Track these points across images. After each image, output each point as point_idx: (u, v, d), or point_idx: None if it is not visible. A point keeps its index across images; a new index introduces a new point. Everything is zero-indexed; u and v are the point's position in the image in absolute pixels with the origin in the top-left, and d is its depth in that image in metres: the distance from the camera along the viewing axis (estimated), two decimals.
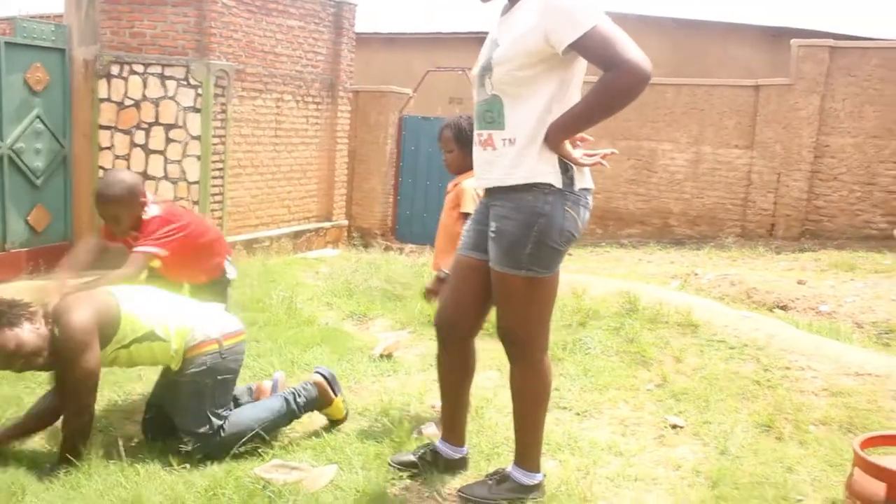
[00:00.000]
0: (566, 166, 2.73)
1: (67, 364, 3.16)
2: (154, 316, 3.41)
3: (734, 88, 11.10)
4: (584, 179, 2.80)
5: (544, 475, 3.08)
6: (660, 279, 7.83)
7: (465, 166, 3.80)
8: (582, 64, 2.78)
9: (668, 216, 11.42)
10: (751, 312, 5.81)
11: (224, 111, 9.91)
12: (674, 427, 3.88)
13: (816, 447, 3.64)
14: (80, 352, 3.15)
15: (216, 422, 3.44)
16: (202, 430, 3.41)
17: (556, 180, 2.71)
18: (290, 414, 3.68)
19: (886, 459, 2.67)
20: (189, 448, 3.36)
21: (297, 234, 11.58)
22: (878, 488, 2.51)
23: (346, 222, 12.75)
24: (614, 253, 10.10)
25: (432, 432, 3.61)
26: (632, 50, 2.57)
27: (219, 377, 3.48)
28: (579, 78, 2.79)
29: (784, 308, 6.87)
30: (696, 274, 7.98)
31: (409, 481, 3.13)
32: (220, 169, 9.87)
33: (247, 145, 10.59)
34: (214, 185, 9.78)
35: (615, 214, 11.68)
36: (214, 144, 9.75)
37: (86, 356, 3.16)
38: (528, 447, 3.01)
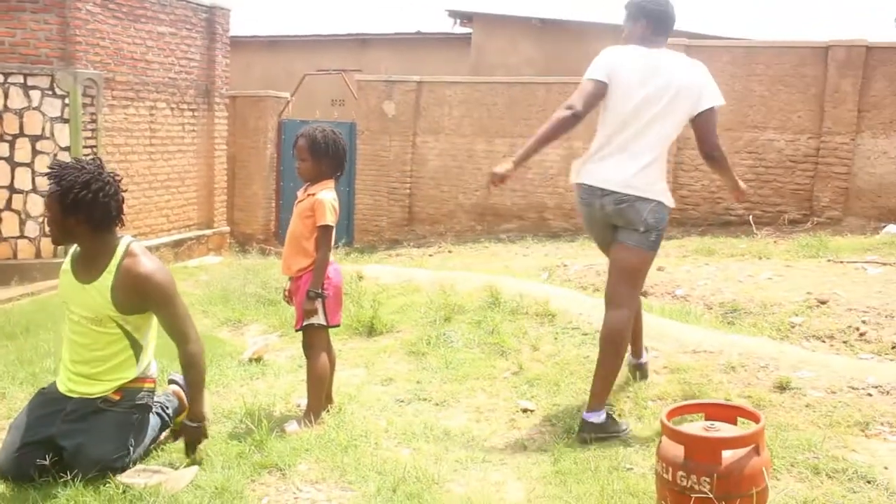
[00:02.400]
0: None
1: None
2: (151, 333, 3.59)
3: None
4: (580, 173, 3.90)
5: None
6: (531, 271, 8.18)
7: (317, 175, 3.96)
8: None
9: (543, 210, 11.85)
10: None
11: (94, 121, 9.74)
12: (525, 411, 4.15)
13: (651, 420, 3.97)
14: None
15: (131, 453, 3.42)
16: (119, 463, 3.34)
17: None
18: (164, 427, 3.77)
19: (686, 426, 2.99)
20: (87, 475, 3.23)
21: (177, 243, 11.46)
22: (679, 450, 2.82)
23: (227, 229, 12.68)
24: (492, 248, 10.44)
25: (294, 429, 3.76)
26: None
27: (146, 414, 3.56)
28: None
29: (644, 294, 7.27)
30: (564, 265, 8.37)
31: (268, 477, 3.28)
32: None
33: (120, 155, 10.42)
34: None
35: (493, 210, 12.04)
36: (85, 155, 9.56)
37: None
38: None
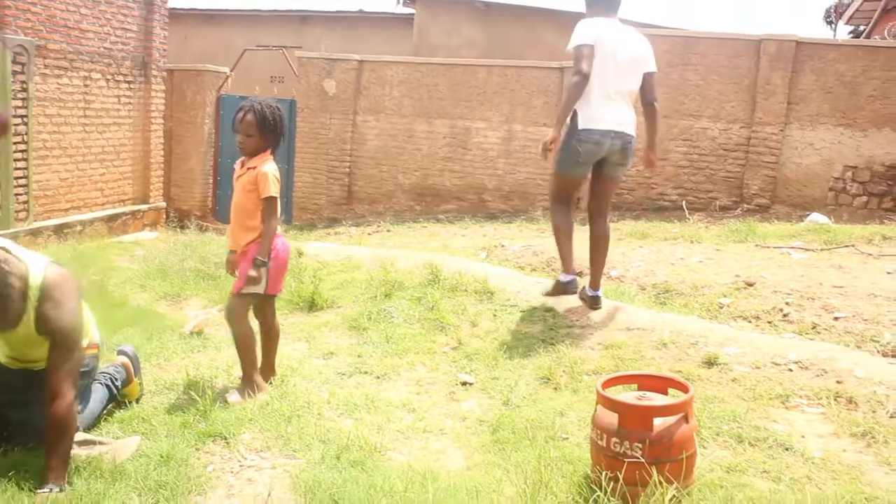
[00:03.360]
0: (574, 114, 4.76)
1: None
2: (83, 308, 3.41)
3: (541, 70, 11.74)
4: (588, 120, 4.73)
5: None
6: (470, 251, 8.28)
7: (259, 149, 4.00)
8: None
9: (482, 192, 11.96)
10: (545, 279, 6.32)
11: (25, 90, 9.46)
12: (464, 384, 4.27)
13: (586, 394, 4.11)
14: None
15: (79, 423, 3.38)
16: None
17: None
18: (112, 399, 3.76)
19: (620, 395, 3.14)
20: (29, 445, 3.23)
21: (111, 218, 11.24)
22: (613, 418, 2.95)
23: (164, 204, 12.48)
24: (431, 228, 10.51)
25: (236, 400, 3.79)
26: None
27: (90, 379, 3.54)
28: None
29: (579, 274, 7.44)
30: (502, 245, 8.49)
31: (212, 445, 3.31)
32: (23, 151, 9.43)
33: (53, 126, 10.15)
34: (18, 168, 9.34)
35: (432, 191, 12.10)
36: (15, 125, 9.31)
37: None
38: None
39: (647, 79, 4.95)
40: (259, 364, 4.12)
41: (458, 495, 2.89)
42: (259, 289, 3.93)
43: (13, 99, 9.26)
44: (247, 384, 3.94)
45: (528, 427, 3.71)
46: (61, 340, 3.09)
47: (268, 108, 4.00)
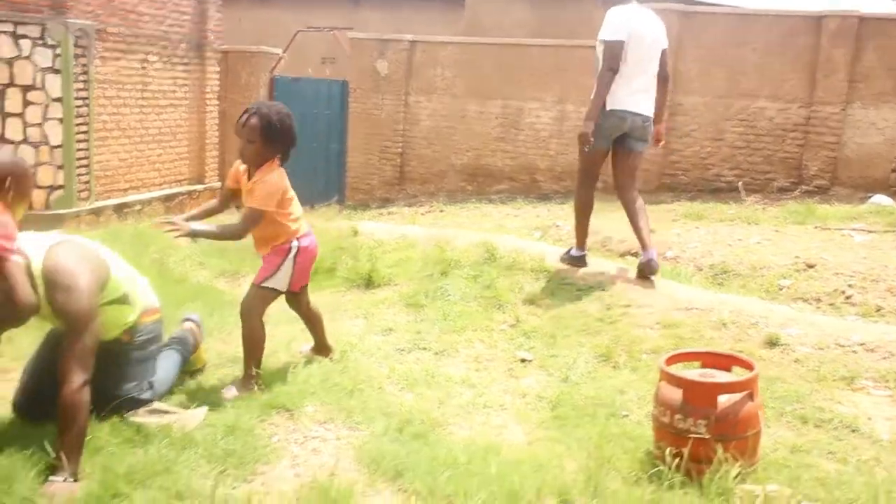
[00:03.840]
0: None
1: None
2: (125, 278, 3.36)
3: (594, 49, 11.61)
4: (614, 103, 5.19)
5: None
6: (524, 231, 8.27)
7: (262, 160, 3.68)
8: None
9: (535, 172, 11.91)
10: (600, 259, 6.29)
11: (86, 72, 9.67)
12: (523, 361, 4.28)
13: (646, 372, 4.10)
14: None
15: (155, 387, 3.49)
16: (145, 395, 3.42)
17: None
18: (184, 363, 3.85)
19: (684, 371, 3.11)
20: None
21: (168, 198, 11.45)
22: (677, 394, 2.93)
23: (219, 184, 12.66)
24: (483, 209, 10.50)
25: (232, 394, 3.63)
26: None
27: (158, 345, 3.59)
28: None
29: (635, 255, 7.39)
30: (557, 225, 8.47)
31: (277, 417, 3.37)
32: (84, 132, 9.66)
33: (112, 107, 10.37)
34: (80, 149, 9.57)
35: (484, 171, 12.08)
36: (77, 107, 9.53)
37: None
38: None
39: (662, 56, 5.38)
40: (313, 345, 4.14)
41: (520, 469, 2.91)
42: (281, 285, 3.77)
43: (75, 81, 9.47)
44: (246, 381, 3.70)
45: (588, 404, 3.71)
46: (69, 324, 3.00)
47: (276, 113, 3.68)
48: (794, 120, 10.70)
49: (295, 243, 3.78)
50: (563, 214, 9.88)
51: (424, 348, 4.42)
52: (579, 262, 5.56)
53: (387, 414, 3.43)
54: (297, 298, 4.03)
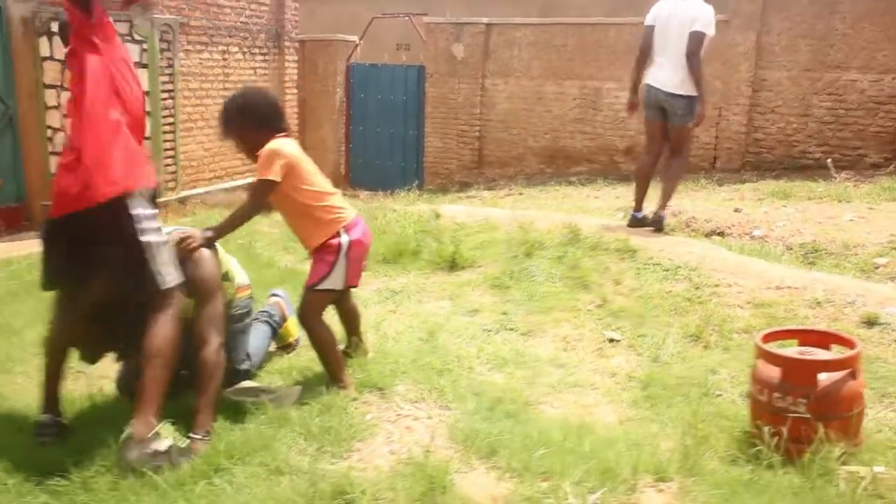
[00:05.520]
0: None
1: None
2: (225, 255, 3.60)
3: None
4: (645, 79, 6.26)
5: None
6: (605, 213, 8.17)
7: (255, 146, 3.43)
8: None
9: (614, 153, 11.74)
10: (686, 238, 6.18)
11: (171, 66, 9.93)
12: (611, 341, 4.24)
13: (738, 352, 4.02)
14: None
15: (251, 358, 3.68)
16: (243, 366, 3.61)
17: None
18: (274, 335, 4.02)
19: (782, 349, 3.04)
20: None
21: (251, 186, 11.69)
22: (775, 373, 2.87)
23: None
24: (563, 190, 10.41)
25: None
26: None
27: (249, 319, 3.76)
28: None
29: (721, 234, 7.24)
30: None
31: (369, 396, 3.43)
32: (171, 124, 9.93)
33: (196, 99, 10.62)
34: (167, 141, 9.84)
35: (563, 153, 11.97)
36: (164, 99, 9.79)
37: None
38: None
39: (689, 36, 5.93)
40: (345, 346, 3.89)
41: (614, 447, 2.89)
42: (338, 284, 3.51)
43: (160, 75, 9.73)
44: (335, 382, 3.52)
45: (680, 384, 3.67)
46: (200, 292, 3.25)
47: (230, 101, 3.51)
48: (887, 92, 10.26)
49: (345, 238, 3.47)
50: None
51: (511, 329, 4.42)
52: (640, 221, 6.26)
53: (477, 393, 3.45)
54: (343, 294, 3.73)
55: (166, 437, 2.93)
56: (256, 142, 3.41)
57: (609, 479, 2.66)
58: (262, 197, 3.42)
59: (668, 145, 6.33)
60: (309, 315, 3.51)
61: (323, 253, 3.47)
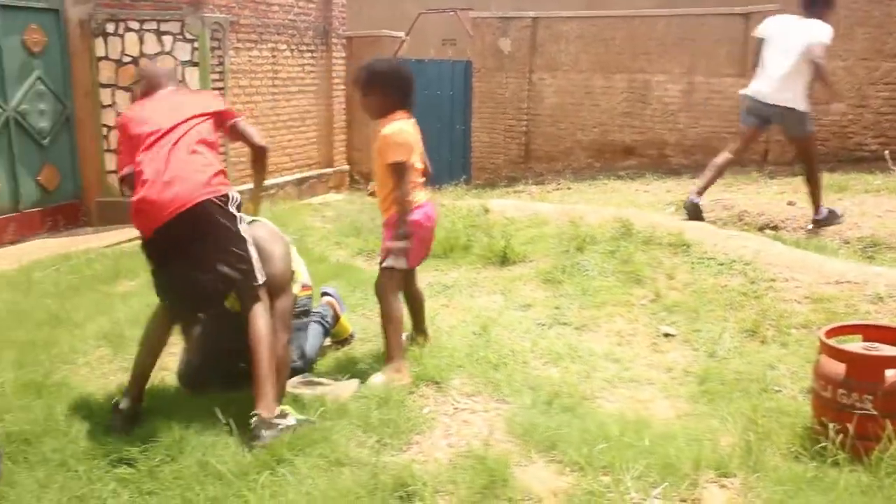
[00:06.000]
0: None
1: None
2: (296, 256, 3.76)
3: (724, 17, 11.20)
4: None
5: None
6: (655, 207, 8.10)
7: (383, 109, 3.66)
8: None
9: (663, 147, 11.61)
10: (740, 232, 6.09)
11: (221, 63, 10.05)
12: (666, 336, 4.21)
13: (797, 347, 3.96)
14: None
15: (305, 356, 3.77)
16: (297, 364, 3.69)
17: None
18: (326, 333, 4.08)
19: (846, 344, 2.98)
20: None
21: (300, 182, 11.81)
22: (839, 368, 2.82)
23: (347, 167, 12.97)
24: (612, 184, 10.33)
25: (380, 381, 3.53)
26: None
27: (308, 318, 3.87)
28: None
29: (775, 228, 7.13)
30: None
31: (425, 389, 3.45)
32: None
33: (245, 96, 10.75)
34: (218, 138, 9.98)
35: (611, 147, 11.87)
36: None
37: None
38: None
39: (807, 48, 6.18)
40: (410, 332, 3.99)
41: (674, 442, 2.87)
42: (402, 263, 3.64)
43: (211, 73, 9.87)
44: (392, 368, 3.57)
45: (738, 379, 3.63)
46: (272, 286, 3.38)
47: (383, 63, 3.77)
48: None
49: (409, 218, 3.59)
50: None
51: (565, 323, 4.41)
52: (693, 208, 6.70)
53: (533, 387, 3.45)
54: (409, 274, 3.85)
55: (290, 413, 3.13)
56: (384, 107, 3.66)
57: (670, 474, 2.65)
58: (404, 176, 3.57)
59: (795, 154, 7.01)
60: (381, 290, 3.68)
61: (387, 230, 3.69)
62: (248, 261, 3.30)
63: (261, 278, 3.32)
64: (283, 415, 3.11)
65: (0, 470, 2.92)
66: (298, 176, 11.82)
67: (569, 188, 10.35)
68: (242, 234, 3.32)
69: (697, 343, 4.10)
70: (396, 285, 3.70)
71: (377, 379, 3.53)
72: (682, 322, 4.36)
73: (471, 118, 12.74)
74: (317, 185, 12.14)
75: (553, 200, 8.62)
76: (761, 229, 7.07)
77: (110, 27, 9.50)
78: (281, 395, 3.28)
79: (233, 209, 3.33)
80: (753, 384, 3.54)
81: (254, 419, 3.06)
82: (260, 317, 3.26)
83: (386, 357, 3.66)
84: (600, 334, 4.28)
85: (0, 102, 8.27)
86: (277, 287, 3.40)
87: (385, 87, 3.65)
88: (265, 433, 3.01)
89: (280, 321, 3.36)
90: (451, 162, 12.76)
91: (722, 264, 5.07)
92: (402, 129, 3.62)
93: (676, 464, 2.69)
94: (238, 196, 3.43)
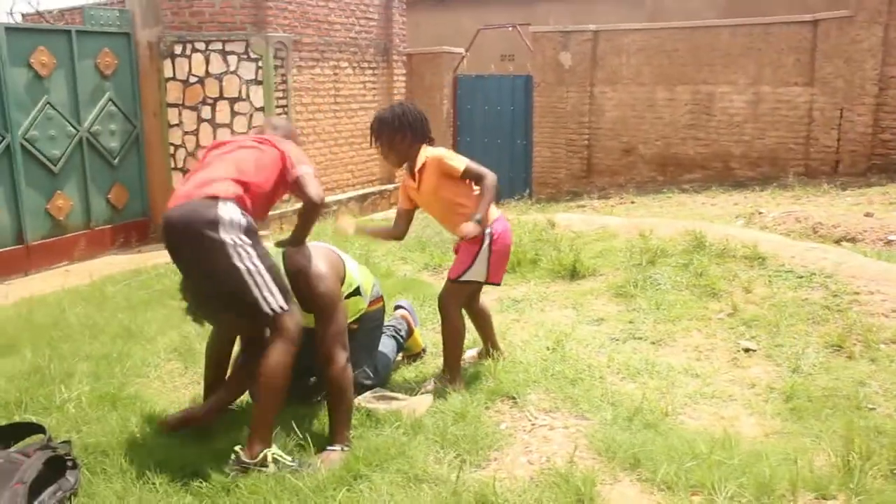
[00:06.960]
0: None
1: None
2: (355, 270, 3.62)
3: (791, 25, 10.95)
4: None
5: None
6: (724, 220, 7.92)
7: (407, 154, 3.71)
8: None
9: (728, 159, 11.38)
10: (817, 244, 5.90)
11: (284, 82, 10.19)
12: (746, 351, 4.07)
13: (887, 363, 3.79)
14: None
15: (378, 372, 3.70)
16: (369, 381, 3.63)
17: None
18: (399, 348, 4.03)
19: None
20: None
21: (362, 198, 11.87)
22: None
23: None
24: (677, 198, 10.15)
25: (431, 388, 3.65)
26: None
27: (380, 331, 3.81)
28: None
29: (852, 240, 6.90)
30: (760, 213, 8.03)
31: (501, 405, 3.38)
32: None
33: (308, 114, 10.87)
34: None
35: (675, 160, 11.67)
36: (278, 114, 10.05)
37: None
38: None
39: None
40: (479, 349, 4.00)
41: (766, 461, 2.75)
42: (479, 276, 3.63)
43: (275, 91, 10.00)
44: (448, 377, 3.65)
45: (827, 396, 3.47)
46: (320, 308, 3.24)
47: (387, 111, 3.72)
48: None
49: (488, 230, 3.58)
50: (762, 202, 9.39)
51: (640, 338, 4.30)
52: None
53: (613, 403, 3.36)
54: (475, 292, 3.84)
55: (271, 461, 2.95)
56: (408, 150, 3.68)
57: (765, 495, 2.53)
58: (481, 169, 3.66)
59: None
60: (448, 304, 3.65)
61: (469, 244, 3.59)
62: (243, 284, 3.01)
63: (276, 307, 3.04)
64: (263, 462, 2.94)
65: (79, 481, 2.94)
66: (360, 192, 11.89)
67: (633, 202, 10.19)
68: (237, 250, 3.00)
69: (780, 358, 3.95)
70: (461, 300, 3.70)
71: (429, 386, 3.66)
72: (763, 337, 4.22)
73: (532, 133, 12.68)
74: (378, 201, 12.19)
75: (619, 214, 8.49)
76: (838, 241, 6.85)
77: (178, 49, 9.71)
78: (349, 419, 3.18)
79: (226, 218, 3.00)
80: (844, 401, 3.39)
81: (233, 455, 2.96)
82: (272, 352, 3.01)
83: (443, 369, 3.71)
84: (677, 349, 4.15)
85: (74, 123, 8.51)
86: (323, 307, 3.23)
87: (396, 133, 3.64)
88: (233, 472, 2.92)
89: (335, 343, 3.17)
90: (513, 177, 12.69)
91: (801, 277, 4.91)
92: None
93: (771, 484, 2.57)
94: (241, 217, 3.07)
